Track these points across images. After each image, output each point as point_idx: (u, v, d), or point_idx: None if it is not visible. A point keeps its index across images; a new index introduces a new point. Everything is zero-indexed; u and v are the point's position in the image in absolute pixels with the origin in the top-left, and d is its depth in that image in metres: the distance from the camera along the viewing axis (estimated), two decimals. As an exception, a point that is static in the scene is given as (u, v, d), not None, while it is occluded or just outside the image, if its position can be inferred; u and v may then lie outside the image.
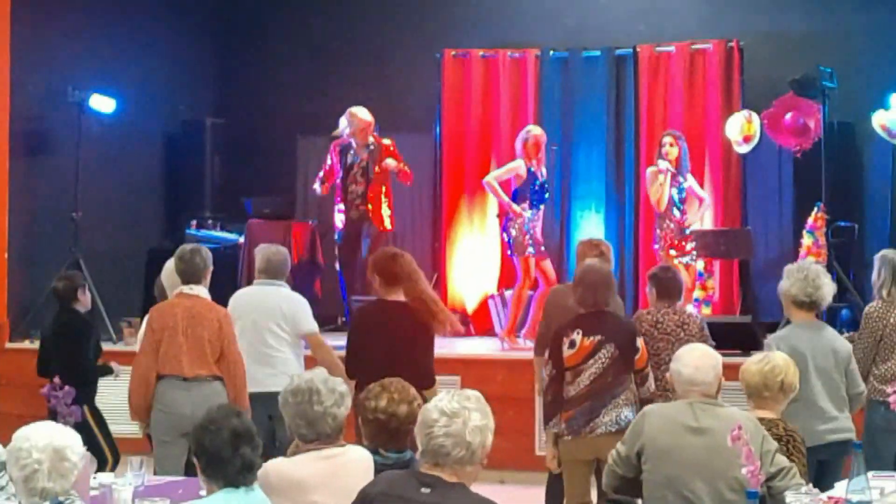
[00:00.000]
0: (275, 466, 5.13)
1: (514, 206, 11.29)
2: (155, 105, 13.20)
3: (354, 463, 5.15)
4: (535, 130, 11.54)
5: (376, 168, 11.65)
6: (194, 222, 13.04)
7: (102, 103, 11.95)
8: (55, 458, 4.44)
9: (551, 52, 13.19)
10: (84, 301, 8.82)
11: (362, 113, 11.71)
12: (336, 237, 11.91)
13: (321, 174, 11.85)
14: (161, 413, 7.66)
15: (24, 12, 11.37)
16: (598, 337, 7.32)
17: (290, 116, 13.79)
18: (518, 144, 11.45)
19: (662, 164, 11.35)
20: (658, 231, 11.55)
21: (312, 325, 8.27)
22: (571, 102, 13.08)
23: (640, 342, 7.40)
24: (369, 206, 11.69)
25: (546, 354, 7.59)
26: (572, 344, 7.35)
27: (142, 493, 5.60)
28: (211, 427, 4.54)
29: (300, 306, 8.28)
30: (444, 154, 13.21)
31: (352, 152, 11.74)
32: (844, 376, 7.08)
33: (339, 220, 11.83)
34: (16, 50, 11.38)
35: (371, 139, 11.75)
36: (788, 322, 7.52)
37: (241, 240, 12.33)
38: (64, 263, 11.43)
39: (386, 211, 11.77)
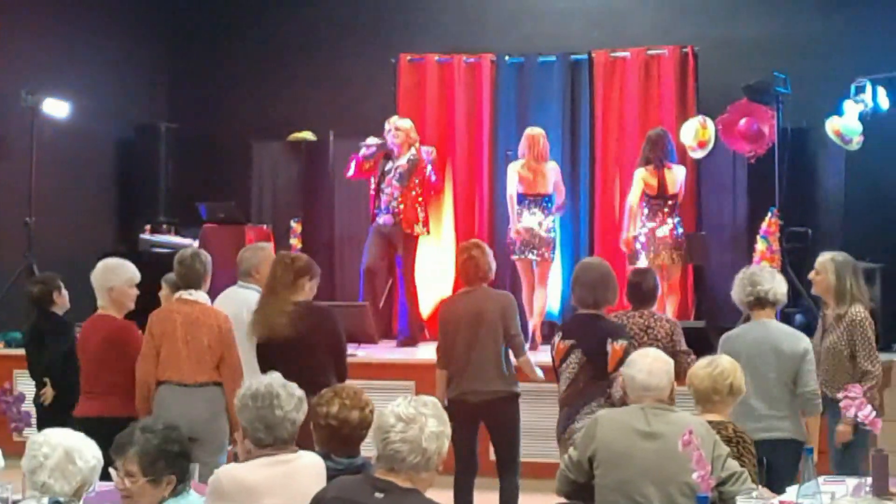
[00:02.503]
0: (227, 472, 5.11)
1: None
2: (109, 109, 13.15)
3: (307, 468, 5.13)
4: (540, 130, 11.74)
5: (415, 179, 11.75)
6: (148, 227, 13.00)
7: (56, 108, 11.89)
8: (63, 458, 4.59)
9: (507, 58, 13.20)
10: (62, 302, 8.67)
11: (405, 125, 11.86)
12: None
13: (360, 155, 11.88)
14: (161, 419, 7.57)
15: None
16: (571, 341, 7.27)
17: (244, 121, 13.76)
18: (536, 149, 11.61)
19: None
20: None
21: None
22: (527, 107, 13.09)
23: (610, 347, 7.14)
24: (401, 209, 11.73)
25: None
26: (553, 346, 7.38)
27: (92, 500, 5.57)
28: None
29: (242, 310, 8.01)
30: (400, 158, 13.19)
31: (392, 159, 11.82)
32: (792, 375, 7.09)
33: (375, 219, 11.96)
34: (-32, 54, 11.34)
35: (413, 150, 11.84)
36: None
37: (196, 244, 12.24)
38: (17, 269, 11.36)
39: (420, 215, 11.83)
